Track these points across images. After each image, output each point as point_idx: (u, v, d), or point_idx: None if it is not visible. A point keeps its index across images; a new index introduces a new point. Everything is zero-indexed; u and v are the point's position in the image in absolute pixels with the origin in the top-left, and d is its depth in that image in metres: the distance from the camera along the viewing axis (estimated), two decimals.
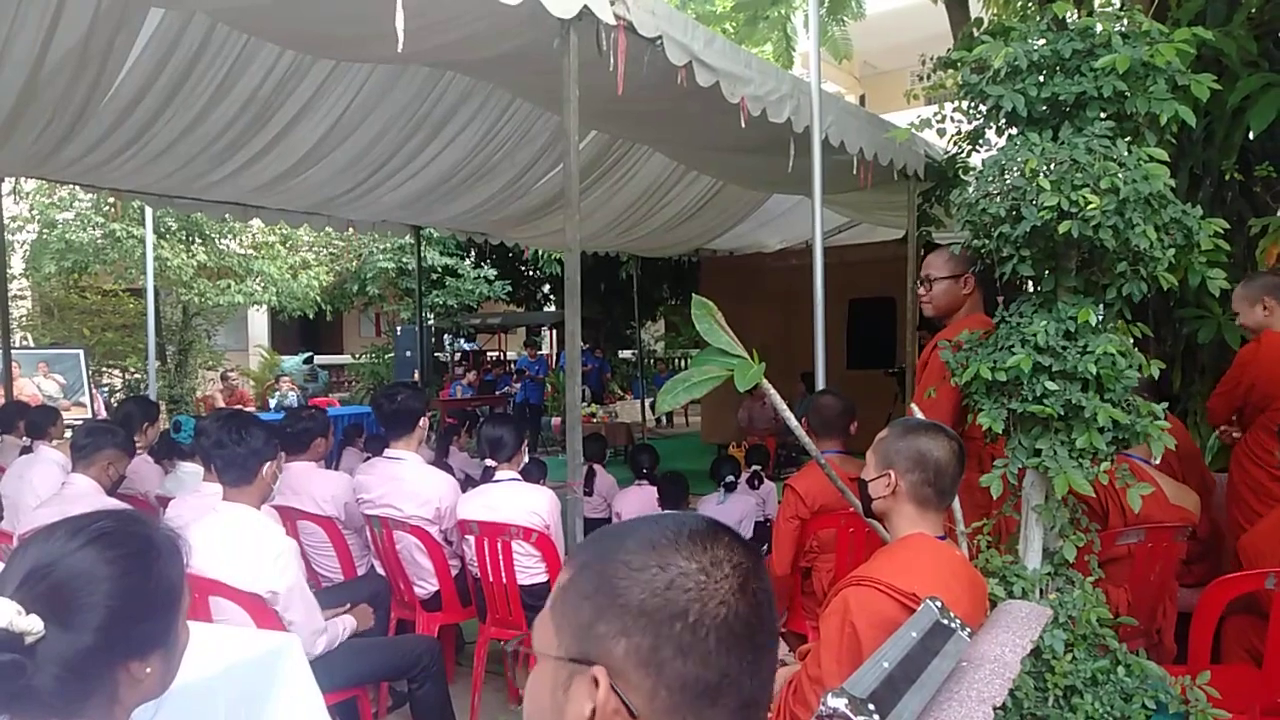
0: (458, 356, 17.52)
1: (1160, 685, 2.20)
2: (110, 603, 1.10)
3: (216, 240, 13.22)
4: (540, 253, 14.48)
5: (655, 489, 4.97)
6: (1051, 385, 2.27)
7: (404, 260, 14.97)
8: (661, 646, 0.75)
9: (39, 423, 4.85)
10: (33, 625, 1.04)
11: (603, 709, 0.74)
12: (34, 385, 9.83)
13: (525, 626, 3.38)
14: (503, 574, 3.37)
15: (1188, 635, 2.57)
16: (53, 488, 3.71)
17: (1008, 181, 2.34)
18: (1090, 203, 2.16)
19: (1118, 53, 2.30)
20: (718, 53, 3.65)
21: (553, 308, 17.23)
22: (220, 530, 2.53)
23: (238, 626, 2.41)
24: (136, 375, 13.02)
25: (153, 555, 1.18)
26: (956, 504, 2.34)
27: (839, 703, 1.16)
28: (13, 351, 7.05)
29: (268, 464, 2.65)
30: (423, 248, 9.55)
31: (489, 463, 3.66)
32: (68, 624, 1.07)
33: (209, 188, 6.09)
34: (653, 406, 13.10)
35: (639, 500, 4.94)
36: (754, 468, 5.54)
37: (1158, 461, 2.42)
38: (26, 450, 4.75)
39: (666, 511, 3.32)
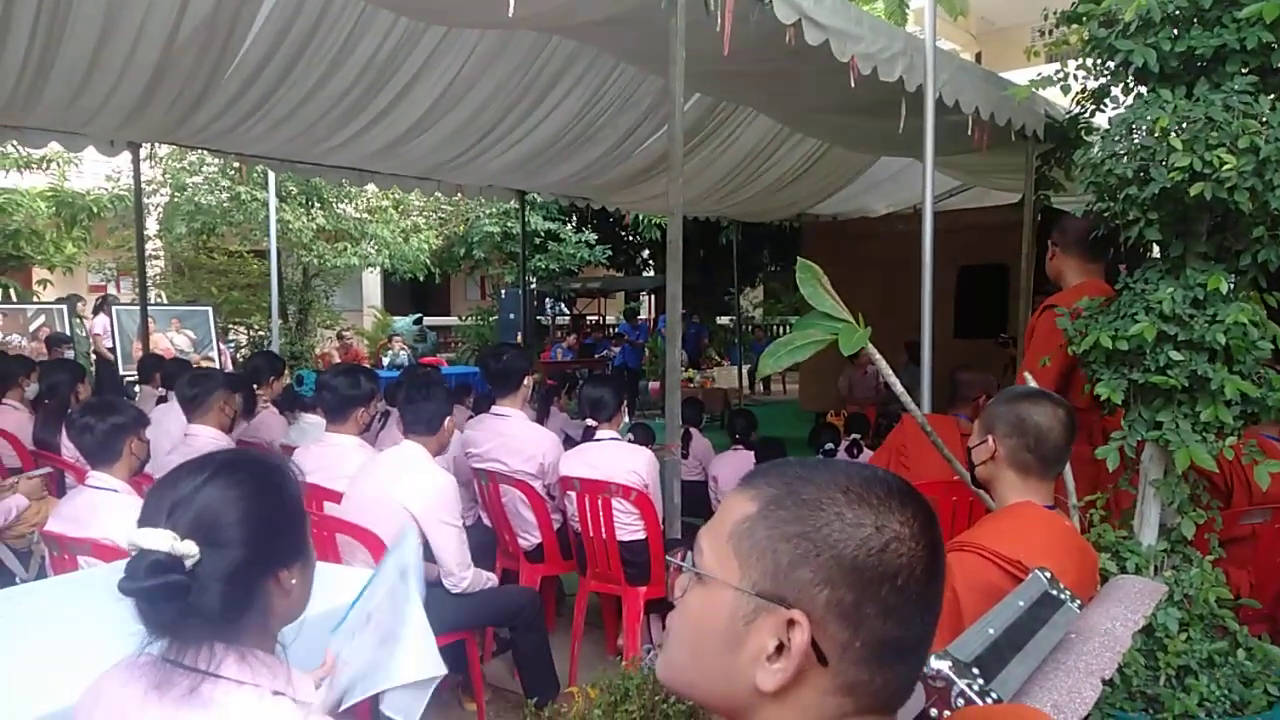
0: (558, 320, 17.80)
1: None
2: (249, 519, 1.20)
3: (334, 204, 13.73)
4: (640, 218, 14.50)
5: (752, 454, 4.99)
6: (1176, 355, 2.17)
7: (509, 225, 15.23)
8: (865, 603, 0.75)
9: (174, 374, 5.19)
10: (190, 549, 1.14)
11: (796, 652, 0.75)
12: (167, 340, 10.48)
13: (624, 581, 3.46)
14: (603, 530, 3.45)
15: None
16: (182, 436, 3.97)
17: (1136, 141, 2.23)
18: (1226, 163, 2.04)
19: (1266, 0, 2.14)
20: (828, 10, 3.56)
21: (651, 273, 17.25)
22: (400, 456, 3.05)
23: (359, 567, 2.56)
24: (260, 332, 13.72)
25: (274, 474, 1.29)
26: (1069, 475, 2.28)
27: (943, 665, 1.16)
28: (149, 308, 7.54)
29: (448, 419, 3.12)
30: (527, 212, 9.71)
31: (589, 422, 3.74)
32: (218, 543, 1.17)
33: (327, 153, 6.34)
34: (750, 373, 13.06)
35: (735, 465, 4.96)
36: (853, 436, 5.48)
37: None
38: (162, 400, 5.11)
39: (855, 461, 3.38)
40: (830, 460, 0.86)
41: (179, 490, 1.20)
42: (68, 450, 3.93)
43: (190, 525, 1.16)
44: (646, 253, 17.11)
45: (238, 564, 1.18)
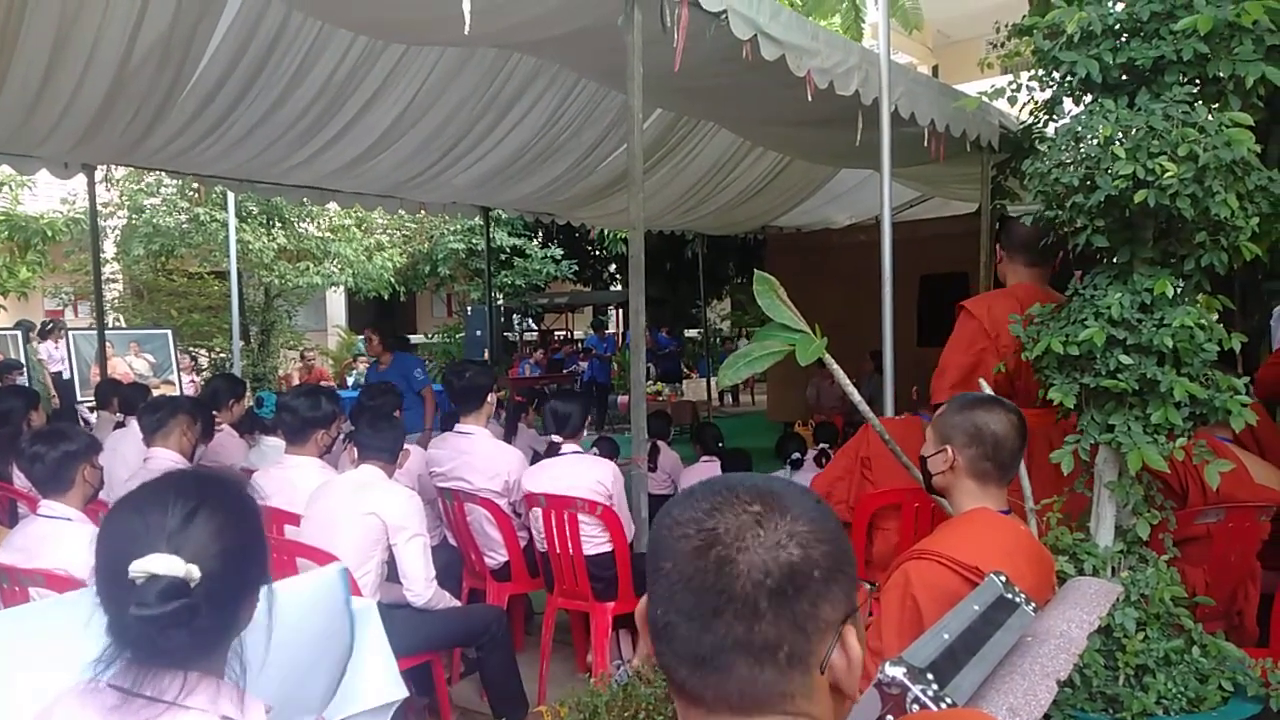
0: (526, 336, 17.77)
1: (1239, 668, 2.14)
2: (237, 543, 1.21)
3: (295, 224, 13.59)
4: (606, 232, 14.53)
5: (718, 465, 5.01)
6: (1126, 359, 2.21)
7: (474, 241, 15.21)
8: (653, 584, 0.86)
9: (132, 399, 5.10)
10: (195, 573, 1.14)
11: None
12: (126, 364, 10.29)
13: (591, 597, 3.44)
14: (569, 545, 3.43)
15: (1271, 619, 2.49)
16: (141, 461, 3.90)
17: (1082, 150, 2.27)
18: (1167, 171, 2.09)
19: (1199, 13, 2.20)
20: (783, 25, 3.60)
21: (619, 287, 17.29)
22: (362, 476, 3.06)
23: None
24: (222, 354, 13.53)
25: (248, 497, 1.30)
26: (1025, 480, 2.31)
27: (897, 671, 1.17)
28: (106, 332, 7.40)
29: (403, 449, 3.18)
30: (491, 229, 9.68)
31: (554, 438, 3.73)
32: (214, 569, 1.17)
33: (287, 172, 6.28)
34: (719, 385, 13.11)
35: (703, 477, 4.97)
36: (821, 445, 5.51)
37: (1238, 431, 2.34)
38: (120, 425, 5.01)
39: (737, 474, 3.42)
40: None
41: (170, 515, 1.19)
42: (20, 479, 3.84)
43: (191, 550, 1.16)
44: (613, 267, 17.16)
45: (232, 587, 1.20)
